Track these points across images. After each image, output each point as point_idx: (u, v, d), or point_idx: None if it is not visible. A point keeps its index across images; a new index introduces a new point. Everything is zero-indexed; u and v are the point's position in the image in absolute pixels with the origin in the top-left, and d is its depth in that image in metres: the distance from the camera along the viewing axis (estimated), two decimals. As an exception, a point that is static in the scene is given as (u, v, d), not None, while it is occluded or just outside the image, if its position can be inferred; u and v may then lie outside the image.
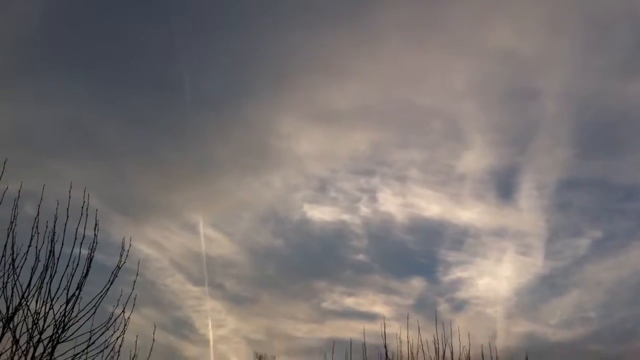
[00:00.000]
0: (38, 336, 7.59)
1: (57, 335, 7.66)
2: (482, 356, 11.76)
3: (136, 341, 8.18)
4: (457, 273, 20.92)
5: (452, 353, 11.98)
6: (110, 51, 19.53)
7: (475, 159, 21.31)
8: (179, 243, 19.57)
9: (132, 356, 8.01)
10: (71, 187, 8.29)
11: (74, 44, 19.19)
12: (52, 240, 7.85)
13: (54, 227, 7.93)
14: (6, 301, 7.55)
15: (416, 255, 21.97)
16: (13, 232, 7.80)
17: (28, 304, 7.59)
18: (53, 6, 18.71)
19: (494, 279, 21.29)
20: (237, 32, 19.96)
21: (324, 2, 19.68)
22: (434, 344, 12.12)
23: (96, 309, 7.85)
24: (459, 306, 20.21)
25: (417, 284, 20.87)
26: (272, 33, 19.85)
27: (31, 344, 7.55)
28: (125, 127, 19.85)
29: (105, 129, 19.42)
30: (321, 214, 21.59)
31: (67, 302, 7.75)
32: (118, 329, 7.96)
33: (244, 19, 19.97)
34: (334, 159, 21.54)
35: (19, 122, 17.26)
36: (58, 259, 7.83)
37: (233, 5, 19.99)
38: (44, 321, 7.63)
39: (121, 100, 19.55)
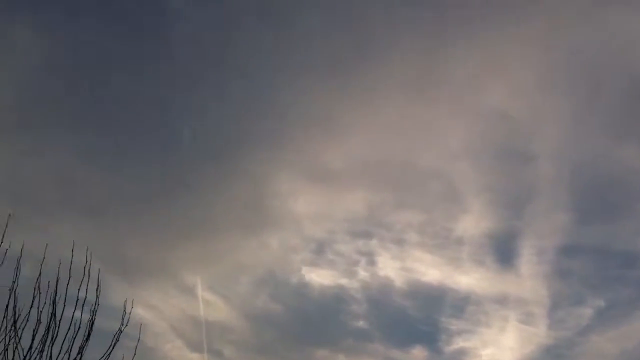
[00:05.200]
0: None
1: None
2: None
3: (138, 410, 7.89)
4: (460, 342, 20.53)
5: None
6: (104, 99, 19.28)
7: (472, 223, 21.23)
8: (176, 306, 19.13)
9: None
10: (74, 246, 8.15)
11: (65, 93, 18.97)
12: (54, 302, 7.60)
13: (56, 288, 7.72)
14: (6, 365, 7.28)
15: (417, 322, 21.56)
16: (15, 292, 7.58)
17: (29, 368, 7.32)
18: (43, 52, 18.54)
19: (498, 349, 20.92)
20: (237, 80, 19.90)
21: (321, 54, 19.80)
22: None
23: (98, 375, 7.60)
24: (464, 378, 19.79)
25: (419, 353, 20.41)
26: (271, 83, 19.78)
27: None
28: (118, 182, 19.58)
29: (97, 184, 19.11)
30: (319, 277, 21.30)
31: (69, 367, 7.48)
32: (120, 397, 7.69)
33: (244, 67, 19.95)
34: (331, 219, 21.37)
35: (13, 178, 16.98)
36: (59, 321, 7.61)
37: (233, 52, 20.00)
38: (46, 387, 7.34)
39: (115, 153, 19.24)
